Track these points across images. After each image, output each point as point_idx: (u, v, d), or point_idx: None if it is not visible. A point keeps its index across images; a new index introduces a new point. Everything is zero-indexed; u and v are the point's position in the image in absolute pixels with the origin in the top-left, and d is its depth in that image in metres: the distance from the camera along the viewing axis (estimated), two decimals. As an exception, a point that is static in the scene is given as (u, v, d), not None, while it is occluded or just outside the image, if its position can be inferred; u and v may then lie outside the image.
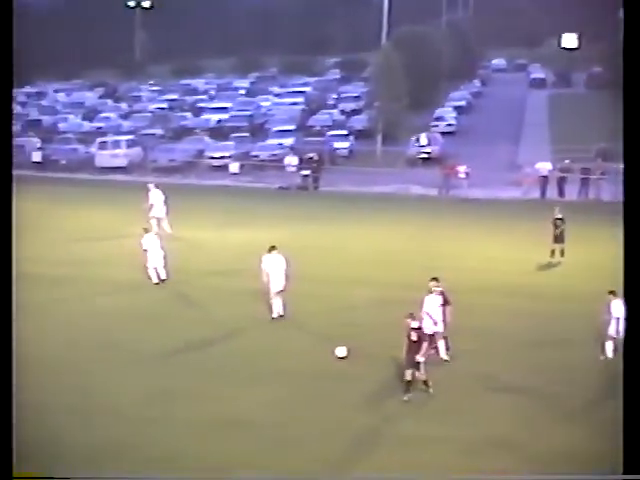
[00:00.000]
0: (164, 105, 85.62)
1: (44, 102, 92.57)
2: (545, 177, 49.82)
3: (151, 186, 38.48)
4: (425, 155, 58.95)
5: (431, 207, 46.46)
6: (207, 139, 65.13)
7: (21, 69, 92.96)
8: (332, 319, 26.30)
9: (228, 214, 43.77)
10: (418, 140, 60.02)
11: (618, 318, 21.82)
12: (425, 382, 20.55)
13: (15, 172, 56.01)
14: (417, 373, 20.34)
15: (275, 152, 59.53)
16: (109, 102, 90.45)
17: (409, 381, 20.30)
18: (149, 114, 78.12)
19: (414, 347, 20.22)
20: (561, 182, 49.38)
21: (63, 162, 60.64)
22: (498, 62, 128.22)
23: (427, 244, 36.04)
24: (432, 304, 22.27)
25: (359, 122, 70.01)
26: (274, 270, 25.70)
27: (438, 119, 72.93)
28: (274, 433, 18.89)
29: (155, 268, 30.15)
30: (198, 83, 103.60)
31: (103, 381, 21.58)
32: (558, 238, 32.56)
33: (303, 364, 22.73)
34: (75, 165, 60.21)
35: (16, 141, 65.40)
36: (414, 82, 65.78)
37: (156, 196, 38.13)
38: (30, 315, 26.72)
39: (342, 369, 22.17)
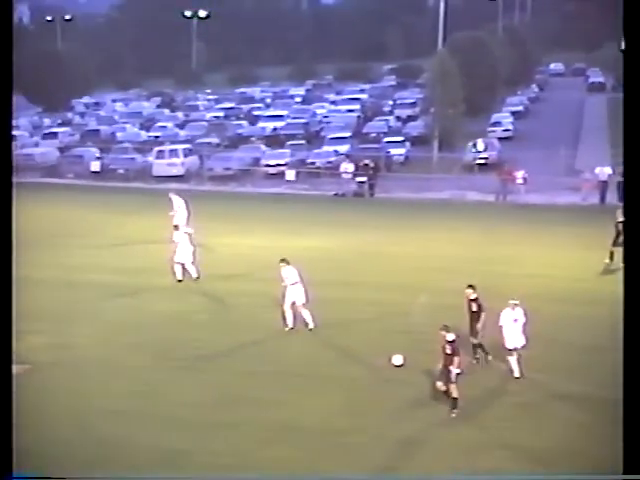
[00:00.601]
0: (220, 114, 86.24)
1: (102, 112, 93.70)
2: (605, 182, 49.15)
3: (172, 194, 38.73)
4: (482, 161, 58.48)
5: (488, 213, 46.04)
6: (263, 147, 65.33)
7: (79, 79, 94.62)
8: (387, 325, 26.11)
9: (284, 222, 43.80)
10: (475, 146, 59.57)
11: None
12: (454, 398, 19.95)
13: (75, 181, 56.79)
14: (450, 386, 19.92)
15: (331, 159, 59.51)
16: (166, 111, 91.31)
17: (446, 393, 20.04)
18: (205, 123, 78.65)
19: (448, 360, 19.92)
20: (621, 187, 48.65)
21: (121, 171, 61.20)
22: (556, 66, 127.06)
23: (484, 250, 35.69)
24: (507, 318, 21.86)
25: (415, 128, 69.77)
26: (291, 282, 25.56)
27: (495, 124, 72.45)
28: (327, 439, 18.78)
29: (182, 264, 30.61)
30: (254, 91, 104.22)
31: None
32: (618, 242, 31.85)
33: (356, 370, 22.56)
34: (132, 174, 60.76)
35: (75, 151, 66.48)
36: (470, 88, 65.30)
37: (178, 203, 38.29)
38: (88, 320, 27.01)
39: (398, 376, 21.97)
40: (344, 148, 61.87)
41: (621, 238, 31.58)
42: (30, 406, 20.46)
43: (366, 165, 54.16)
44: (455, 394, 19.83)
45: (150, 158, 62.08)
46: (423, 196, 52.53)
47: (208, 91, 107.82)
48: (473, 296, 22.73)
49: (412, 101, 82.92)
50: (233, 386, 21.83)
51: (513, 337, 21.86)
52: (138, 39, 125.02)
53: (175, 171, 59.78)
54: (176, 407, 20.60)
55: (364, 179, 53.79)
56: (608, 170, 49.77)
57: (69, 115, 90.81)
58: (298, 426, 19.51)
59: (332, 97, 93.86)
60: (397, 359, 22.20)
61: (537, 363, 23.22)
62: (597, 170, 50.15)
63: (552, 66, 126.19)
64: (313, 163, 59.97)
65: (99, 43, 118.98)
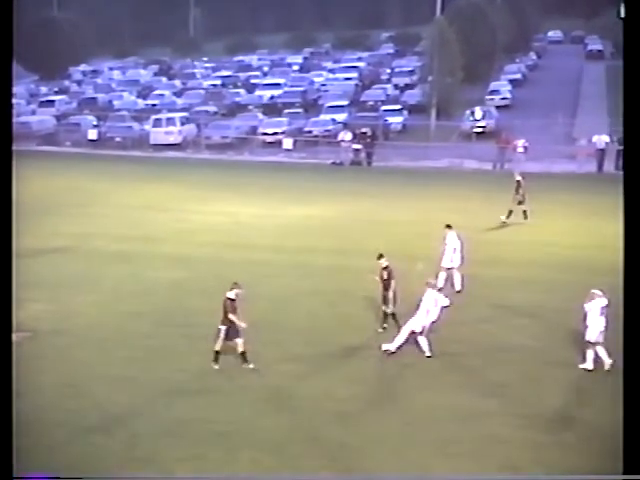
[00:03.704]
0: (217, 82, 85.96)
1: (99, 80, 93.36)
2: (602, 150, 49.14)
3: None
4: (480, 129, 58.43)
5: (486, 181, 46.06)
6: (260, 115, 65.26)
7: (76, 47, 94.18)
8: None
9: (282, 190, 43.83)
10: (473, 114, 59.50)
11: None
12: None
13: (72, 149, 56.90)
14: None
15: (328, 128, 59.46)
16: (163, 79, 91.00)
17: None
18: (203, 91, 78.44)
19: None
20: (619, 155, 48.65)
21: (118, 139, 61.14)
22: (554, 34, 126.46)
23: (482, 218, 35.73)
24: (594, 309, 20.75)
25: (413, 97, 69.60)
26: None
27: (493, 92, 72.28)
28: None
29: None
30: (251, 59, 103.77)
31: (158, 357, 21.69)
32: (517, 199, 34.68)
33: (354, 339, 22.66)
34: (130, 142, 60.69)
35: (72, 119, 66.32)
36: (468, 55, 65.16)
37: None
38: (89, 288, 27.07)
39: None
40: (342, 116, 61.80)
41: (518, 196, 34.57)
42: (30, 373, 20.59)
43: (364, 133, 54.11)
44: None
45: (147, 126, 61.98)
46: (421, 164, 52.56)
47: (205, 59, 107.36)
48: (384, 264, 22.79)
49: (410, 69, 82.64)
50: (233, 355, 21.89)
51: (595, 329, 20.37)
52: (135, 7, 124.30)
53: (172, 139, 59.74)
54: (175, 374, 20.62)
55: (361, 147, 53.75)
56: (606, 138, 49.76)
57: (66, 83, 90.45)
58: (296, 395, 19.55)
59: (330, 65, 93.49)
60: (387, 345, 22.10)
61: (534, 330, 23.38)
62: (595, 138, 50.13)
63: (550, 34, 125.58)
64: (311, 131, 59.90)
65: (96, 11, 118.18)
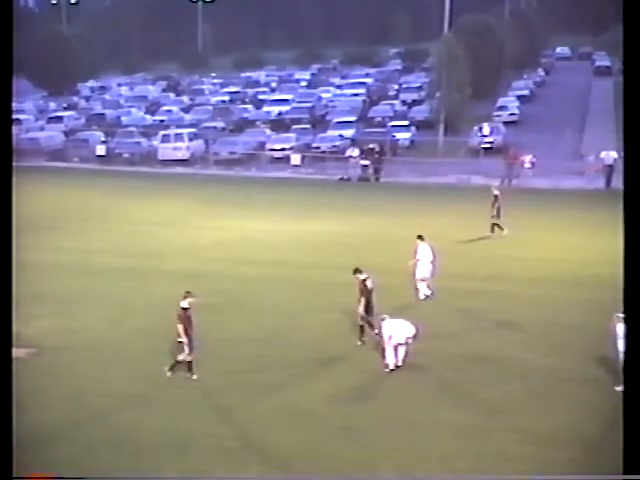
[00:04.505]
0: (226, 98, 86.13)
1: (107, 96, 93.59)
2: (611, 166, 49.05)
3: None
4: (487, 145, 58.39)
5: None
6: (268, 131, 65.29)
7: (85, 63, 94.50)
8: (394, 308, 26.09)
9: (289, 206, 43.83)
10: (480, 130, 59.49)
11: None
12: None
13: (80, 165, 56.98)
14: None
15: (336, 143, 59.46)
16: (171, 95, 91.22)
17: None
18: (211, 107, 78.56)
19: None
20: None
21: (126, 155, 61.24)
22: (562, 50, 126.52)
23: (492, 235, 35.63)
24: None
25: (421, 113, 69.62)
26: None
27: (501, 109, 72.24)
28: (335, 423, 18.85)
29: None
30: (259, 75, 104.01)
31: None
32: (494, 214, 35.15)
33: (367, 354, 22.57)
34: (138, 158, 60.78)
35: (80, 135, 66.48)
36: (476, 72, 65.18)
37: None
38: (96, 304, 27.03)
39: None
40: (349, 132, 61.81)
41: (493, 210, 35.10)
42: (35, 389, 20.59)
43: (371, 149, 54.10)
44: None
45: (155, 142, 62.08)
46: (428, 180, 52.50)
47: (213, 75, 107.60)
48: (362, 277, 23.15)
49: (418, 85, 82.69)
50: (240, 371, 21.85)
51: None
52: (144, 23, 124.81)
53: (180, 155, 59.80)
54: (182, 391, 20.61)
55: (369, 163, 53.74)
56: (614, 154, 49.65)
57: (74, 99, 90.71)
58: (304, 410, 19.49)
59: (337, 81, 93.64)
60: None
61: (541, 347, 23.28)
62: (603, 154, 50.05)
63: (558, 50, 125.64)
64: (318, 147, 59.91)
65: (105, 26, 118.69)
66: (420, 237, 27.46)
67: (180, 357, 21.00)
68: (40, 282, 29.40)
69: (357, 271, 23.39)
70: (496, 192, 35.94)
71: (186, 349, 20.84)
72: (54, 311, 26.51)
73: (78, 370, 21.98)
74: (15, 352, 23.06)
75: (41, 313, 26.15)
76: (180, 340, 20.87)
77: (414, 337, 21.50)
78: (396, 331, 21.46)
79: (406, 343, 21.49)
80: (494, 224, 35.47)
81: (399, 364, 21.55)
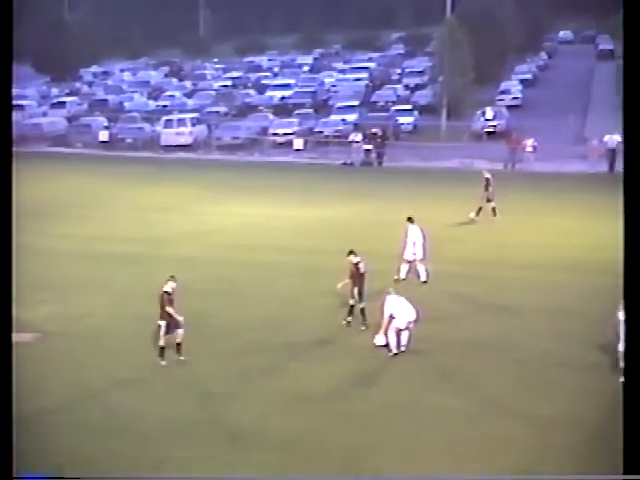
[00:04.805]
0: (228, 83, 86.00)
1: (110, 81, 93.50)
2: (613, 150, 48.97)
3: None
4: (490, 129, 58.33)
5: (497, 182, 45.81)
6: (271, 116, 65.23)
7: (87, 49, 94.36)
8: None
9: (292, 191, 43.81)
10: (483, 114, 59.45)
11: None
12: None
13: (83, 151, 57.09)
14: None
15: (339, 128, 59.39)
16: (174, 81, 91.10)
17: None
18: (213, 92, 78.48)
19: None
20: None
21: (129, 141, 61.24)
22: (565, 34, 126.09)
23: (493, 219, 35.63)
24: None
25: (423, 97, 69.54)
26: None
27: (504, 93, 72.13)
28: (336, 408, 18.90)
29: None
30: (262, 60, 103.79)
31: (168, 359, 21.65)
32: (486, 197, 35.47)
33: (365, 339, 22.63)
34: (141, 143, 60.76)
35: (83, 120, 66.45)
36: (479, 56, 65.01)
37: None
38: (99, 290, 27.07)
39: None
40: (352, 117, 61.74)
41: (487, 193, 35.34)
42: (39, 374, 20.66)
43: (374, 134, 54.04)
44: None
45: (158, 127, 62.02)
46: (431, 165, 52.45)
47: (216, 60, 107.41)
48: (355, 260, 23.27)
49: (420, 70, 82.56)
50: (242, 356, 21.88)
51: None
52: (146, 8, 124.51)
53: (183, 140, 59.77)
54: (185, 377, 20.66)
55: (372, 147, 53.68)
56: (617, 138, 49.52)
57: (77, 84, 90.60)
58: (306, 395, 19.52)
59: (340, 66, 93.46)
60: (379, 339, 22.07)
61: (541, 332, 23.29)
62: (606, 138, 49.96)
63: (561, 34, 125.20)
64: (321, 132, 59.87)
65: (107, 12, 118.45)
66: (410, 219, 27.81)
67: (161, 342, 21.07)
68: (43, 268, 29.47)
69: (351, 253, 23.49)
70: (487, 175, 36.07)
71: (162, 332, 20.95)
72: (57, 297, 26.56)
73: (81, 356, 22.02)
74: (19, 337, 23.21)
75: (44, 299, 26.20)
76: (159, 324, 20.96)
77: (415, 321, 21.54)
78: (398, 311, 21.42)
79: (407, 328, 21.51)
80: (481, 207, 35.62)
81: (402, 349, 21.58)
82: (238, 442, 17.41)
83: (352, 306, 23.47)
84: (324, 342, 22.90)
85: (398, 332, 21.54)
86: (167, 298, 20.93)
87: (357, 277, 23.25)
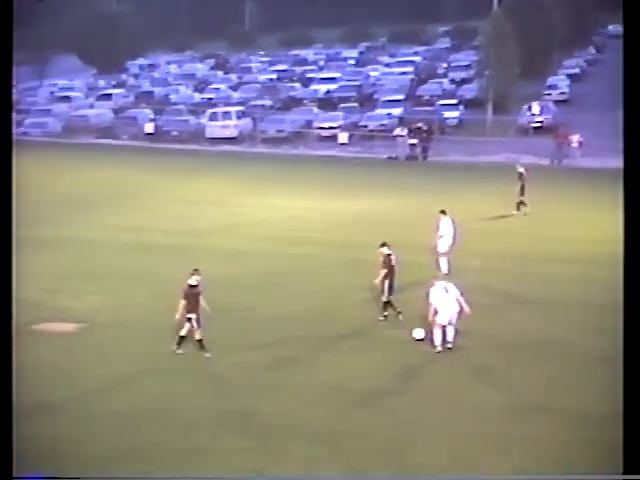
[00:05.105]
0: (273, 76, 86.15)
1: (156, 74, 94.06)
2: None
3: None
4: (537, 124, 57.95)
5: (542, 177, 45.51)
6: (316, 109, 65.32)
7: (134, 41, 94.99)
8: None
9: (336, 184, 43.82)
10: (530, 109, 59.06)
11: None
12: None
13: (129, 143, 57.51)
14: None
15: (384, 122, 59.33)
16: (219, 73, 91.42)
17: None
18: (258, 85, 78.66)
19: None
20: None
21: (174, 133, 61.62)
22: (614, 28, 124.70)
23: (539, 214, 35.42)
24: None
25: (469, 91, 69.19)
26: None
27: (551, 87, 71.59)
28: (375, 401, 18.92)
29: None
30: (307, 53, 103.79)
31: (211, 350, 21.76)
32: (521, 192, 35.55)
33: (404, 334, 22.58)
34: (186, 136, 61.11)
35: (129, 112, 66.96)
36: (526, 50, 64.50)
37: None
38: (144, 282, 27.23)
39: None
40: (397, 111, 61.60)
41: (523, 188, 35.58)
42: (83, 363, 20.86)
43: (419, 128, 53.91)
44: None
45: (203, 120, 62.35)
46: (477, 159, 52.22)
47: (261, 53, 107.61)
48: (387, 252, 23.27)
49: (466, 64, 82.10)
50: (285, 349, 21.93)
51: None
52: (192, 1, 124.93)
53: (228, 133, 60.04)
54: (225, 368, 20.73)
55: (417, 142, 53.55)
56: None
57: (123, 77, 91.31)
58: (348, 388, 19.52)
59: (386, 59, 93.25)
60: (418, 333, 22.06)
61: (583, 326, 23.06)
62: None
63: (610, 28, 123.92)
64: (366, 126, 59.83)
65: (153, 4, 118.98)
66: (443, 212, 28.03)
67: (183, 332, 21.13)
68: (88, 259, 29.74)
69: (384, 245, 23.51)
70: (521, 170, 36.16)
71: (187, 325, 20.99)
72: (102, 288, 26.77)
73: (125, 346, 22.19)
74: (64, 327, 23.50)
75: (89, 289, 26.43)
76: (188, 317, 20.99)
77: (459, 316, 21.39)
78: (440, 304, 21.17)
79: (449, 323, 21.34)
80: (519, 202, 35.79)
81: (449, 346, 21.37)
82: (279, 434, 17.41)
83: (385, 301, 23.51)
84: (364, 335, 22.93)
85: (443, 328, 21.42)
86: (190, 291, 20.97)
87: (388, 269, 23.23)
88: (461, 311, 21.37)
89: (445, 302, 21.28)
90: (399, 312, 23.35)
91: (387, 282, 23.27)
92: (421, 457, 16.50)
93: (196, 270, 21.25)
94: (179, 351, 21.28)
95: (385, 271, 23.23)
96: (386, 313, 23.56)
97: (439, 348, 21.38)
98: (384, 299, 23.46)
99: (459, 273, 26.61)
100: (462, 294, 21.40)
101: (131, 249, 31.38)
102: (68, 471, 15.55)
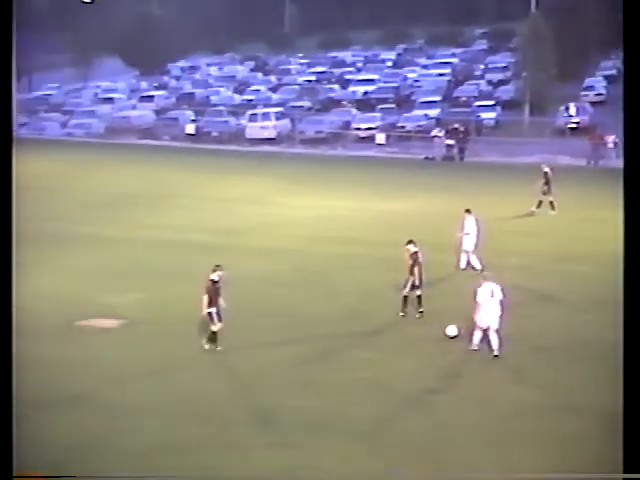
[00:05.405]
0: (312, 78, 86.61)
1: (197, 76, 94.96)
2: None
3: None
4: (573, 125, 58.10)
5: (579, 178, 45.75)
6: (354, 111, 65.81)
7: (175, 43, 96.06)
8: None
9: (373, 184, 44.25)
10: (567, 110, 59.19)
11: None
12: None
13: (170, 143, 58.03)
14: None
15: (421, 123, 59.72)
16: (259, 75, 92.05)
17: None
18: (297, 87, 79.25)
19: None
20: None
21: (215, 134, 62.43)
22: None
23: (576, 214, 35.69)
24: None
25: (506, 92, 69.29)
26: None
27: (588, 88, 71.47)
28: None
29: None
30: (345, 55, 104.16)
31: (248, 344, 22.35)
32: (545, 191, 36.35)
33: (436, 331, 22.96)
34: (226, 137, 61.90)
35: (170, 114, 67.92)
36: (563, 51, 64.59)
37: None
38: (181, 280, 27.66)
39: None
40: (434, 112, 61.99)
41: (546, 187, 36.21)
42: (123, 358, 21.58)
43: (456, 129, 54.30)
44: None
45: (243, 121, 63.13)
46: (513, 160, 52.42)
47: (300, 55, 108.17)
48: (413, 250, 23.72)
49: (504, 65, 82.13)
50: (322, 347, 22.40)
51: None
52: (232, 3, 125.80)
53: (267, 134, 60.73)
54: (263, 365, 21.10)
55: (454, 142, 53.95)
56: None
57: (165, 78, 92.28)
58: (386, 385, 19.95)
59: (423, 61, 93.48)
60: (451, 330, 22.43)
61: (614, 326, 23.36)
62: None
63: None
64: (403, 127, 60.24)
65: (194, 7, 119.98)
66: (467, 210, 28.74)
67: (214, 327, 21.58)
68: (129, 257, 30.40)
69: (410, 242, 23.93)
70: (546, 169, 36.79)
71: (215, 318, 21.49)
72: (142, 285, 27.29)
73: (164, 342, 22.67)
74: (106, 322, 24.25)
75: (130, 286, 27.03)
76: (209, 311, 21.49)
77: (500, 320, 21.36)
78: (485, 304, 21.22)
79: (490, 327, 21.31)
80: (541, 201, 36.33)
81: (496, 354, 21.28)
82: (318, 430, 17.77)
83: (405, 297, 23.98)
84: (398, 333, 23.36)
85: (484, 331, 21.49)
86: (213, 287, 21.47)
87: (415, 266, 23.66)
88: (502, 315, 21.44)
89: (489, 305, 21.35)
90: (421, 311, 23.83)
91: (411, 279, 23.72)
92: (458, 454, 16.80)
93: (218, 266, 21.73)
94: (207, 347, 21.71)
95: (410, 268, 23.67)
96: (406, 309, 24.01)
97: (475, 347, 21.63)
98: (404, 293, 23.95)
99: (495, 271, 27.09)
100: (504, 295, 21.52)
101: (171, 247, 31.92)
102: (106, 464, 16.12)
